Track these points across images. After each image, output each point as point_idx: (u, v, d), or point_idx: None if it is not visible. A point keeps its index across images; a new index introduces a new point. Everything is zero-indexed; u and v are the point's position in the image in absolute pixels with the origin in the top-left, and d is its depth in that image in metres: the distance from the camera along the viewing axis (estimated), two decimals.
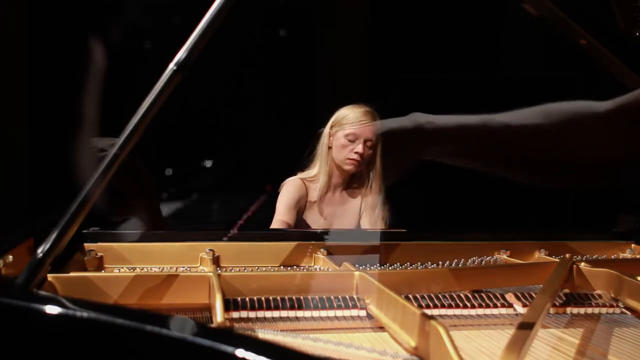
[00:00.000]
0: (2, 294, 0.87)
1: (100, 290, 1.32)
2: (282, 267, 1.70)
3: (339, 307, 1.30)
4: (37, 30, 2.38)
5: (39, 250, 1.13)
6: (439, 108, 2.60)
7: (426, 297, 1.37)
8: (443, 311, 1.35)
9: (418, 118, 2.57)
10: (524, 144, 2.46)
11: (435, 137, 2.58)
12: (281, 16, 3.60)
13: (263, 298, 1.29)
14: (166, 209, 2.76)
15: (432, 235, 1.86)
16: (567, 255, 1.75)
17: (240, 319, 1.25)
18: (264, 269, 1.66)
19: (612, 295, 1.50)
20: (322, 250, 1.72)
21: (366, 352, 1.12)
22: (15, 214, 2.18)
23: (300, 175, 2.39)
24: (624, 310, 1.45)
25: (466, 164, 2.68)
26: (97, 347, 0.84)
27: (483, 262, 1.79)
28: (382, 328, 1.25)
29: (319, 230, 1.85)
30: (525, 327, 1.09)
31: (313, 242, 1.74)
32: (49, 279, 1.29)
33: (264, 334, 1.18)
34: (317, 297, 1.31)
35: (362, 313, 1.31)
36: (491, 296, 1.41)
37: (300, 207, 2.34)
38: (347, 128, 2.30)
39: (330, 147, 2.35)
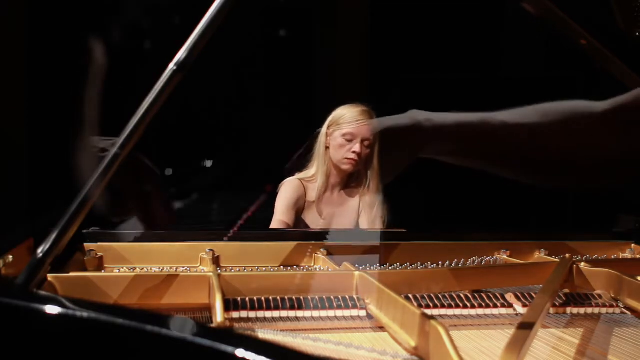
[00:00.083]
0: (2, 294, 0.87)
1: (100, 290, 1.32)
2: (282, 267, 1.71)
3: (339, 307, 1.30)
4: (37, 30, 2.38)
5: (39, 250, 1.13)
6: (439, 108, 2.60)
7: (426, 297, 1.37)
8: (443, 311, 1.35)
9: (416, 115, 2.57)
10: (522, 142, 2.47)
11: (433, 134, 2.58)
12: (281, 16, 3.60)
13: (263, 298, 1.29)
14: None
15: (432, 235, 1.86)
16: (567, 255, 1.75)
17: (240, 319, 1.25)
18: (264, 269, 1.66)
19: (612, 295, 1.50)
20: (322, 250, 1.72)
21: (366, 352, 1.12)
22: (15, 214, 2.18)
23: (299, 175, 2.39)
24: (624, 310, 1.45)
25: (464, 162, 2.69)
26: (97, 347, 0.84)
27: (483, 262, 1.79)
28: (382, 328, 1.26)
29: (319, 230, 1.85)
30: (525, 327, 1.09)
31: (313, 242, 1.74)
32: (49, 279, 1.29)
33: (264, 334, 1.18)
34: (317, 297, 1.31)
35: (362, 313, 1.31)
36: (491, 296, 1.41)
37: (299, 207, 2.34)
38: (345, 128, 2.30)
39: (327, 147, 2.35)
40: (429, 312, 1.27)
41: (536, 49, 3.61)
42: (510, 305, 1.40)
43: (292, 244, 1.73)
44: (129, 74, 2.36)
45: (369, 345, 1.15)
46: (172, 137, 3.14)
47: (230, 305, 1.26)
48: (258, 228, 2.24)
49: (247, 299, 1.29)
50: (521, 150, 2.49)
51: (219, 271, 1.39)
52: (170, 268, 1.61)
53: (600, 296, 1.47)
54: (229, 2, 1.20)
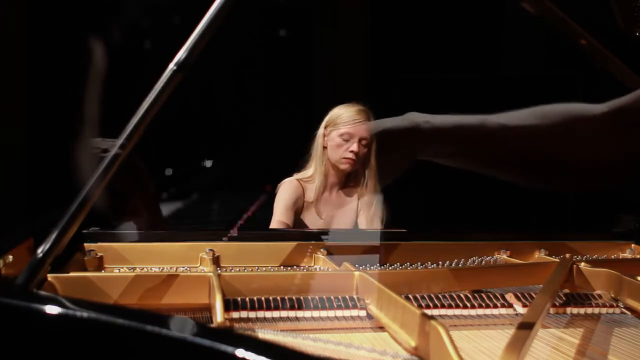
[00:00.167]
0: (2, 294, 0.87)
1: (100, 290, 1.32)
2: (282, 267, 1.70)
3: (339, 307, 1.30)
4: (37, 30, 2.37)
5: (39, 250, 1.13)
6: (439, 108, 2.60)
7: (426, 297, 1.37)
8: (443, 311, 1.35)
9: (415, 117, 2.57)
10: (521, 145, 2.47)
11: (432, 136, 2.58)
12: (281, 16, 3.60)
13: (263, 298, 1.29)
14: (166, 209, 2.76)
15: (432, 235, 1.86)
16: (567, 255, 1.75)
17: (240, 319, 1.25)
18: (264, 269, 1.66)
19: (612, 295, 1.50)
20: (322, 250, 1.72)
21: (366, 352, 1.11)
22: (15, 214, 2.18)
23: (297, 176, 2.39)
24: (624, 310, 1.45)
25: (463, 165, 2.69)
26: (97, 347, 0.84)
27: (483, 262, 1.79)
28: (382, 328, 1.25)
29: (319, 230, 1.85)
30: (525, 327, 1.09)
31: (313, 242, 1.74)
32: (49, 279, 1.29)
33: (264, 334, 1.18)
34: (317, 297, 1.31)
35: (362, 313, 1.31)
36: (491, 296, 1.41)
37: (298, 207, 2.34)
38: (342, 127, 2.30)
39: (325, 147, 2.36)
40: (429, 312, 1.27)
41: (536, 49, 3.61)
42: (510, 305, 1.40)
43: (292, 244, 1.73)
44: (129, 74, 2.36)
45: (369, 345, 1.15)
46: (172, 137, 3.14)
47: (230, 305, 1.26)
48: (258, 228, 2.24)
49: (247, 299, 1.29)
50: (520, 153, 2.49)
51: (219, 271, 1.39)
52: (170, 268, 1.61)
53: (600, 296, 1.47)
54: (229, 2, 1.20)
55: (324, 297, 1.32)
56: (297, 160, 2.44)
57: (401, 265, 1.71)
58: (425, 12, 3.39)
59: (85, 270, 1.56)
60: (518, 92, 3.44)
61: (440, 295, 1.38)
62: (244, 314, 1.26)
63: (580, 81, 3.40)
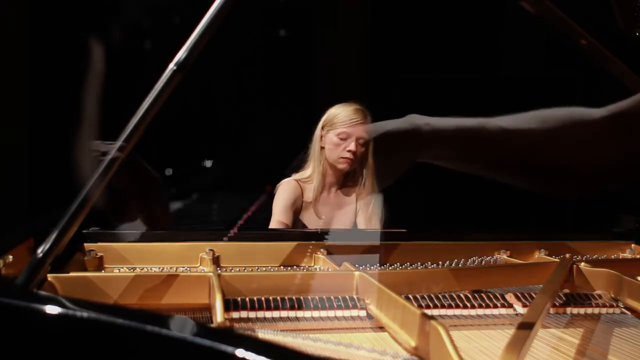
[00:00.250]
0: (2, 294, 0.87)
1: (100, 290, 1.32)
2: (282, 267, 1.70)
3: (339, 307, 1.30)
4: (37, 30, 2.38)
5: (39, 250, 1.13)
6: (439, 108, 2.60)
7: (426, 297, 1.37)
8: (443, 311, 1.35)
9: (415, 120, 2.58)
10: (520, 148, 2.47)
11: (432, 139, 2.58)
12: (281, 16, 3.60)
13: (263, 298, 1.29)
14: None
15: (432, 235, 1.86)
16: (567, 255, 1.75)
17: (240, 319, 1.25)
18: (264, 269, 1.66)
19: (612, 295, 1.50)
20: (322, 250, 1.72)
21: (366, 352, 1.12)
22: (15, 214, 2.18)
23: (295, 176, 2.40)
24: (624, 310, 1.45)
25: (463, 167, 2.69)
26: (97, 347, 0.84)
27: (483, 262, 1.79)
28: (382, 328, 1.26)
29: (319, 230, 1.85)
30: (525, 327, 1.09)
31: (313, 242, 1.74)
32: (49, 279, 1.29)
33: (264, 334, 1.18)
34: (317, 297, 1.31)
35: (362, 313, 1.31)
36: (491, 296, 1.41)
37: (297, 207, 2.34)
38: (339, 127, 2.30)
39: (322, 147, 2.36)
40: (429, 312, 1.27)
41: (536, 49, 3.61)
42: (510, 305, 1.40)
43: (292, 244, 1.73)
44: (129, 74, 2.36)
45: (369, 345, 1.15)
46: (172, 137, 3.14)
47: (230, 305, 1.26)
48: (258, 228, 2.24)
49: (247, 299, 1.29)
50: (520, 157, 2.50)
51: (219, 271, 1.39)
52: (170, 268, 1.61)
53: (600, 296, 1.47)
54: (229, 2, 1.20)
55: (324, 297, 1.32)
56: (291, 161, 2.45)
57: (401, 265, 1.71)
58: (425, 12, 3.39)
59: (85, 270, 1.56)
60: (518, 92, 3.44)
61: (440, 295, 1.38)
62: (244, 314, 1.26)
63: (580, 81, 3.40)
